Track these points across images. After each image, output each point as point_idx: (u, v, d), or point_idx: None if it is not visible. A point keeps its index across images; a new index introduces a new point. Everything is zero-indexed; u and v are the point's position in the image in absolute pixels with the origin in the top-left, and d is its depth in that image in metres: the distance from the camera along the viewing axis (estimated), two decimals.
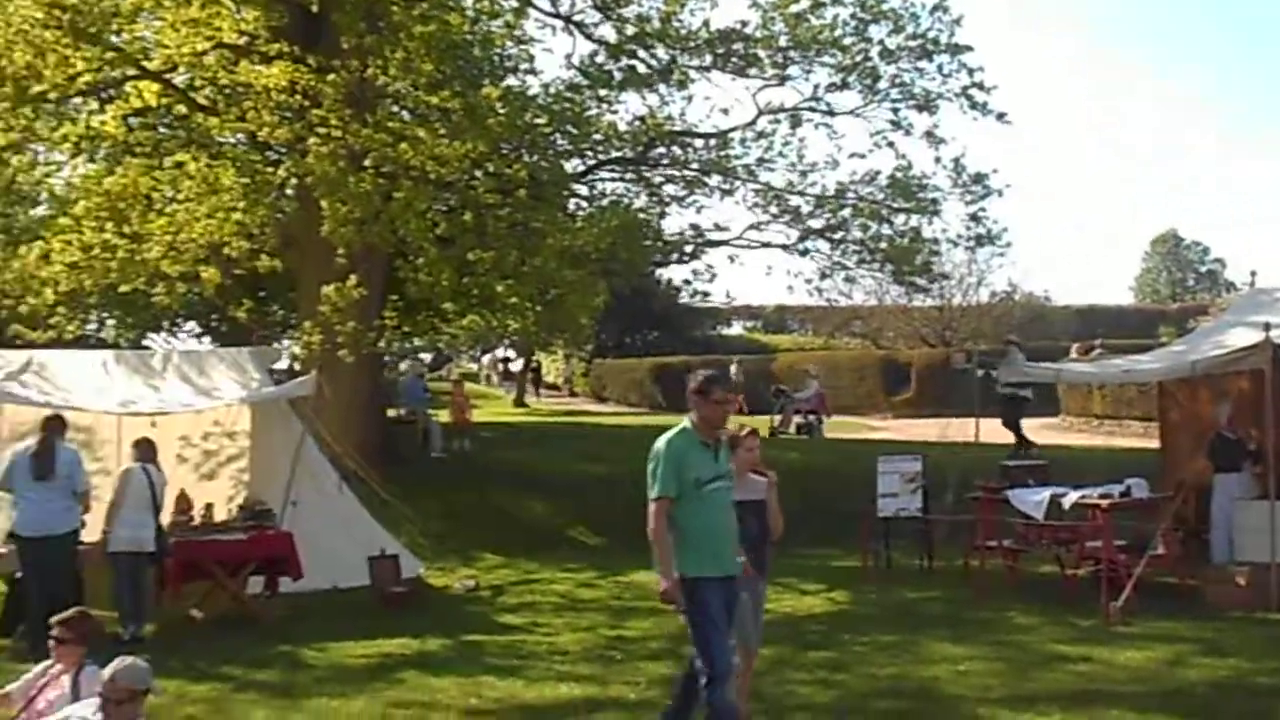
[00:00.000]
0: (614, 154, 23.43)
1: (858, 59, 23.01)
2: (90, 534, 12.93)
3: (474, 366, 61.37)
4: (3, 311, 19.75)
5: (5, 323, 21.03)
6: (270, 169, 19.03)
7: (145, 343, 27.83)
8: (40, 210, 23.05)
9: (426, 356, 29.88)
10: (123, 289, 19.00)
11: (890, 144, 23.62)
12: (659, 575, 7.61)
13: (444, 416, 27.04)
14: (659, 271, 42.13)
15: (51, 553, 12.20)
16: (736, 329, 64.72)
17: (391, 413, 26.06)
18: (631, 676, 10.88)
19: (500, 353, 59.22)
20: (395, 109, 20.29)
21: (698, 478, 7.66)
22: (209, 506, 14.97)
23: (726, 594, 7.72)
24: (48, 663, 7.83)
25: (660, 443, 7.77)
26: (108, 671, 6.89)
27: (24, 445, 12.83)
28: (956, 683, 10.49)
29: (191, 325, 30.04)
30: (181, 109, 18.60)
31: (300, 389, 15.23)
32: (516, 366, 50.57)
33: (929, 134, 23.41)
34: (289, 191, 19.86)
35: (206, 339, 29.84)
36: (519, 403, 46.14)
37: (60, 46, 16.28)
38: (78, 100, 18.64)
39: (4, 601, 13.20)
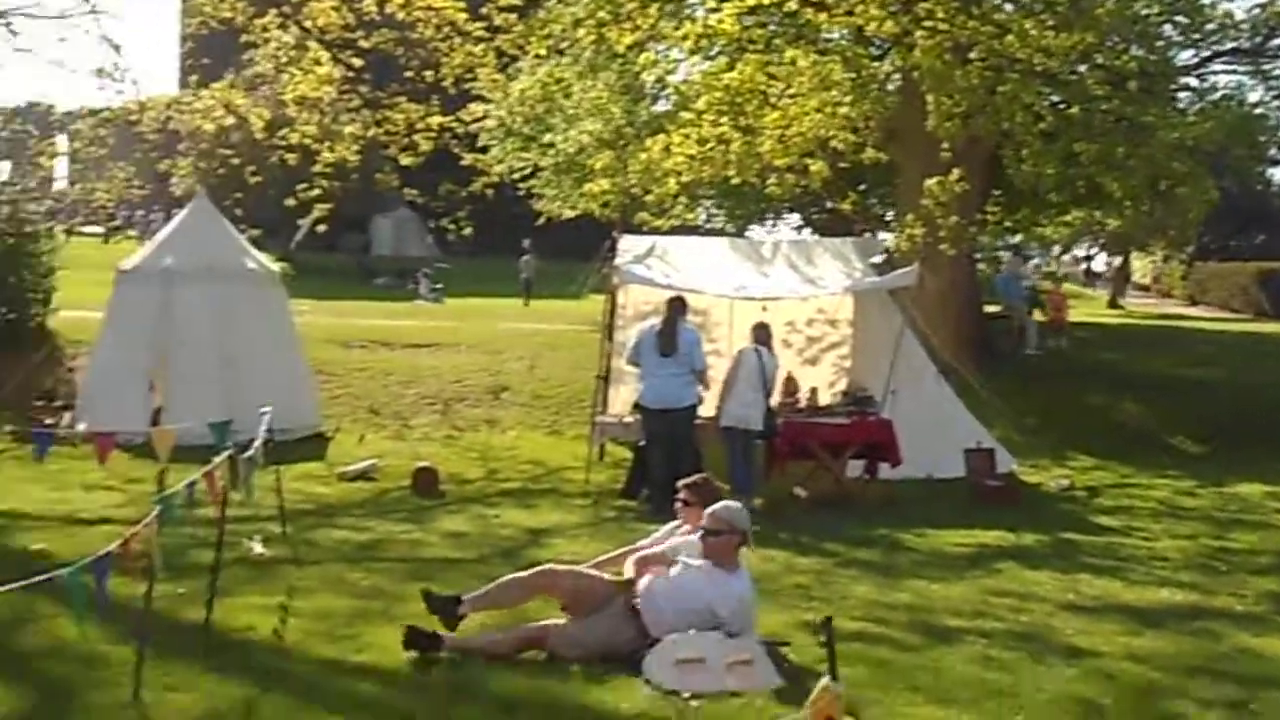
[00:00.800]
0: (1229, 45, 21.97)
1: None
2: (706, 410, 13.75)
3: (1054, 266, 59.81)
4: (629, 200, 21.24)
5: (632, 210, 22.60)
6: (875, 63, 19.25)
7: (747, 233, 29.07)
8: (660, 106, 24.34)
9: (1005, 254, 29.44)
10: (734, 181, 19.88)
11: None
12: None
13: (1040, 315, 26.70)
14: (1270, 171, 39.40)
15: (673, 424, 13.10)
16: None
17: (989, 309, 25.98)
18: (1237, 588, 10.36)
19: (1080, 252, 57.31)
20: (1001, 1, 19.96)
21: None
22: (813, 390, 15.60)
23: None
24: (675, 523, 8.42)
25: None
26: (712, 507, 7.49)
27: (649, 324, 13.72)
28: None
29: (794, 217, 31.08)
30: (792, 5, 19.03)
31: (903, 280, 15.34)
32: (1098, 266, 48.74)
33: None
34: (892, 86, 20.02)
35: (805, 230, 30.78)
36: (1113, 304, 44.81)
37: None
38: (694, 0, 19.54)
39: (631, 467, 14.40)
